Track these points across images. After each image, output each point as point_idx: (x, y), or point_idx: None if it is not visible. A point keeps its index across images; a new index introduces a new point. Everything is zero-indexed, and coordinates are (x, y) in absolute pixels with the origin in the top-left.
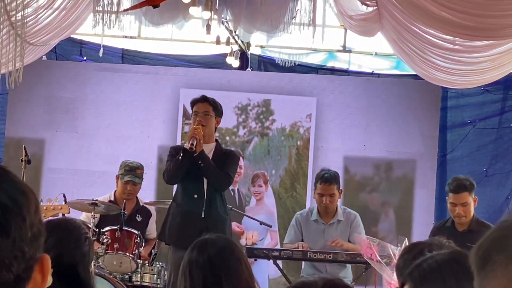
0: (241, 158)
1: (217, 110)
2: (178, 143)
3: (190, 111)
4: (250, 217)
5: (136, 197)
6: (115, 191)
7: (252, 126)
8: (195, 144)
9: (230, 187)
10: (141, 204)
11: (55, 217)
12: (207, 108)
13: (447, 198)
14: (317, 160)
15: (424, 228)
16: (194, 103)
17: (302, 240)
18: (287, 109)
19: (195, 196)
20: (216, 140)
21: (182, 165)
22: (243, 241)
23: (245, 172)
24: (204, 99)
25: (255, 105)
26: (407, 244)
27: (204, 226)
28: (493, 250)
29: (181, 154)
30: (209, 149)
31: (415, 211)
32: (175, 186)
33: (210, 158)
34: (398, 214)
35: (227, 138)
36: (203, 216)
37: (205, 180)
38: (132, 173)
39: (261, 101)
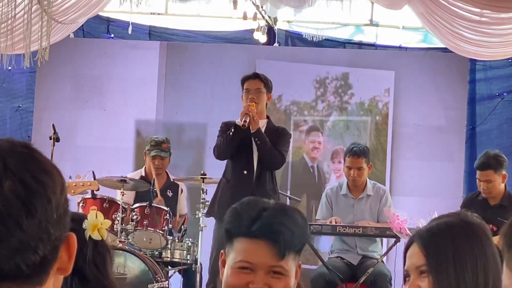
0: (320, 134)
1: (268, 86)
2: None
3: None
4: (282, 193)
5: (166, 172)
6: (145, 167)
7: (331, 100)
8: (248, 121)
9: (309, 164)
10: (172, 180)
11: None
12: (258, 85)
13: None
14: (396, 136)
15: (453, 202)
16: (245, 80)
17: (333, 215)
18: (365, 83)
19: (245, 172)
20: (267, 117)
21: (233, 141)
22: None
23: (324, 148)
24: (255, 76)
25: (334, 79)
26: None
27: None
28: None
29: (232, 130)
30: (260, 126)
31: (443, 185)
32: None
33: None
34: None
35: (306, 112)
36: (252, 192)
37: (255, 156)
38: (157, 147)
39: (339, 75)
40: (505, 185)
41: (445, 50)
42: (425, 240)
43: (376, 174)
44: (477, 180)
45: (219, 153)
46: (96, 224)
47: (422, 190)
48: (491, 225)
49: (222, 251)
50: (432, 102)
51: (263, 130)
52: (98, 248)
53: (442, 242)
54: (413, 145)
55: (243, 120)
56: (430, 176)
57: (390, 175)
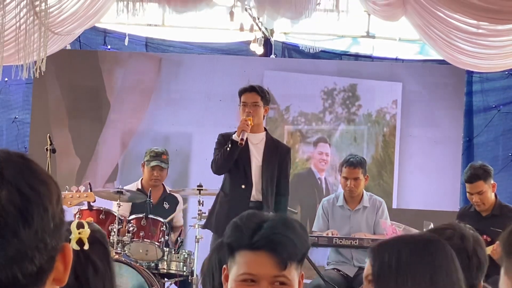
0: (327, 145)
1: (265, 99)
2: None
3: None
4: None
5: (163, 184)
6: (142, 179)
7: (339, 111)
8: (245, 138)
9: (317, 176)
10: (168, 192)
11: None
12: (255, 98)
13: None
14: (403, 148)
15: (451, 214)
16: (241, 93)
17: (329, 228)
18: (373, 94)
19: (243, 186)
20: (265, 129)
21: (231, 157)
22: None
23: (331, 160)
24: (252, 89)
25: (341, 90)
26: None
27: None
28: None
29: (229, 145)
30: (259, 139)
31: (441, 196)
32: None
33: (262, 147)
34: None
35: (313, 124)
36: (250, 206)
37: (253, 170)
38: (158, 158)
39: (347, 86)
40: (495, 194)
41: (441, 62)
42: (374, 252)
43: (383, 186)
44: (467, 194)
45: (217, 168)
46: (75, 235)
47: (427, 202)
48: (484, 236)
49: (224, 266)
50: (431, 114)
51: (262, 143)
52: (80, 258)
53: (387, 255)
54: (415, 156)
55: (240, 137)
56: (436, 187)
57: (398, 187)
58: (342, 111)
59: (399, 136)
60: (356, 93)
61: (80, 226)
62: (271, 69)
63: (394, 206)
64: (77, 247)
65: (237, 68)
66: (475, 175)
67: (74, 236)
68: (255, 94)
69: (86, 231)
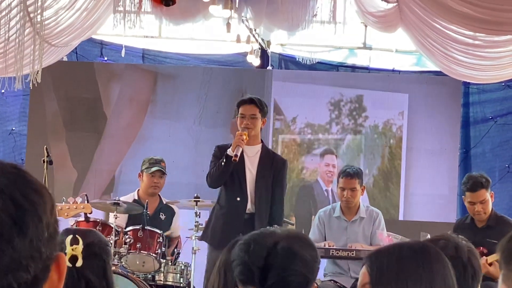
0: (334, 157)
1: (263, 111)
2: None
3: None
4: None
5: (159, 195)
6: (138, 189)
7: (345, 122)
8: (239, 154)
9: (324, 187)
10: (164, 203)
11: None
12: (253, 110)
13: (463, 197)
14: (409, 159)
15: (448, 225)
16: (240, 104)
17: (325, 239)
18: (379, 105)
19: (238, 199)
20: (262, 141)
21: (225, 171)
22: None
23: (338, 171)
24: (250, 101)
25: (348, 101)
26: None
27: (246, 228)
28: None
29: (224, 160)
30: (255, 151)
31: (441, 208)
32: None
33: (257, 160)
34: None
35: (320, 135)
36: (245, 218)
37: (248, 183)
38: (157, 164)
39: (353, 97)
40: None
41: (438, 73)
42: (371, 260)
43: (390, 198)
44: (468, 204)
45: (212, 182)
46: (68, 251)
47: (430, 214)
48: (480, 248)
49: None
50: (430, 125)
51: (258, 155)
52: (73, 274)
53: (386, 262)
54: (420, 168)
55: (234, 153)
56: (436, 199)
57: (404, 199)
58: (349, 122)
59: (405, 147)
60: (362, 104)
61: (74, 242)
62: (269, 80)
63: (401, 218)
64: (69, 264)
65: (234, 79)
66: (479, 183)
67: (68, 252)
68: (254, 106)
69: (79, 247)
